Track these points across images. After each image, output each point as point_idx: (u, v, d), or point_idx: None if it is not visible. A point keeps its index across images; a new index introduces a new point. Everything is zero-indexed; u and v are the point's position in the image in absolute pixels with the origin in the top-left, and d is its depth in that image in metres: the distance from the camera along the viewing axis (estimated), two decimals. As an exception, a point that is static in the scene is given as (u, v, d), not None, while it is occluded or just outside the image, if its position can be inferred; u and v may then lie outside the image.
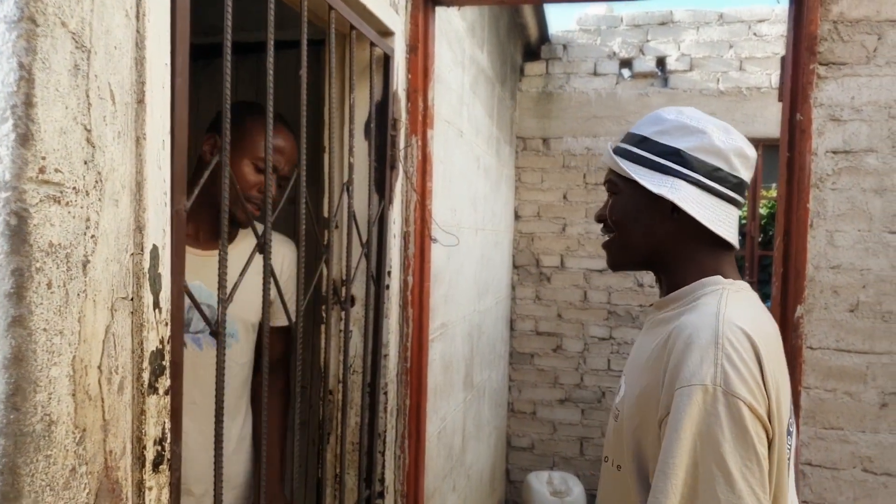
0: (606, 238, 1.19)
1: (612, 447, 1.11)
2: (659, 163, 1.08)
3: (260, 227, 1.30)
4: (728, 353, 0.93)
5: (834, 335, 1.80)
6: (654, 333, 1.09)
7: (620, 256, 1.16)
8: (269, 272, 1.40)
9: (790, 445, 1.02)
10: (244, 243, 1.67)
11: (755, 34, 4.32)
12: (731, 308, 0.99)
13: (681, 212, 1.06)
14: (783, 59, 1.91)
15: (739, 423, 0.90)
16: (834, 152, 1.79)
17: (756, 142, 4.42)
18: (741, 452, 0.90)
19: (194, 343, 1.59)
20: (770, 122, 4.19)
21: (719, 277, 1.07)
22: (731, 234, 1.08)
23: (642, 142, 1.11)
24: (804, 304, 1.80)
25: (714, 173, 1.06)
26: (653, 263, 1.15)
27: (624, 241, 1.14)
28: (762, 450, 0.91)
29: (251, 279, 1.42)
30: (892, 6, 1.76)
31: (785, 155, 1.84)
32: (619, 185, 1.14)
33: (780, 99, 1.92)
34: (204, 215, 1.58)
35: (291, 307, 1.57)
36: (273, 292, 1.31)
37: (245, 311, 1.62)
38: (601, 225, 1.20)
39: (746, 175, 1.10)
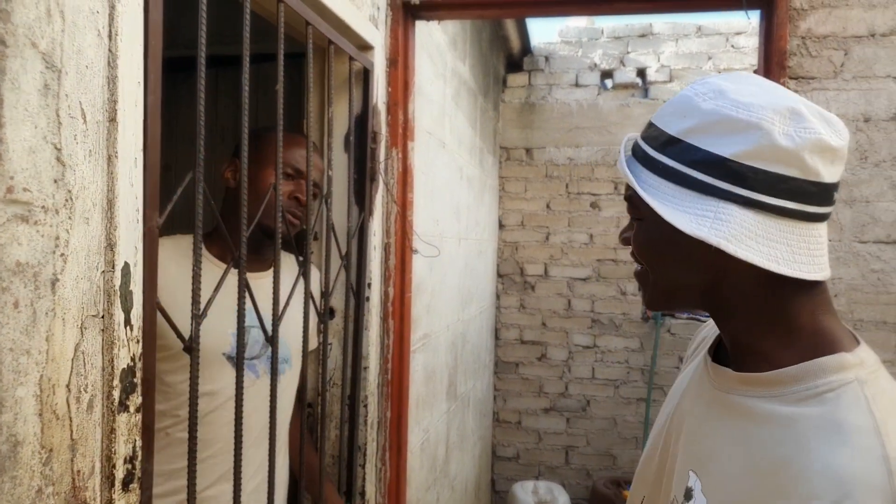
0: (638, 270, 0.88)
1: (646, 483, 0.88)
2: (695, 179, 0.75)
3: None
4: None
5: (808, 344, 1.82)
6: (745, 432, 0.76)
7: (656, 297, 0.86)
8: (308, 297, 1.46)
9: None
10: (283, 267, 1.62)
11: (733, 46, 4.38)
12: (893, 435, 0.67)
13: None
14: (755, 73, 1.94)
15: None
16: (806, 164, 1.82)
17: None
18: None
19: (249, 370, 1.51)
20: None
21: (845, 357, 0.73)
22: (814, 268, 0.74)
23: (670, 144, 0.77)
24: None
25: (779, 185, 0.72)
26: (710, 308, 0.83)
27: (657, 281, 0.84)
28: None
29: (297, 305, 1.46)
30: (858, 23, 1.79)
31: (759, 167, 1.87)
32: (639, 207, 0.81)
33: (754, 111, 1.94)
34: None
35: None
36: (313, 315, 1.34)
37: (298, 337, 1.56)
38: (621, 244, 0.90)
39: (833, 174, 0.74)
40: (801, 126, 0.72)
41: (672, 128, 0.78)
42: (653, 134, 0.80)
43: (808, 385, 0.72)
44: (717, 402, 0.82)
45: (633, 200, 0.82)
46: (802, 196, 0.73)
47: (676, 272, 0.81)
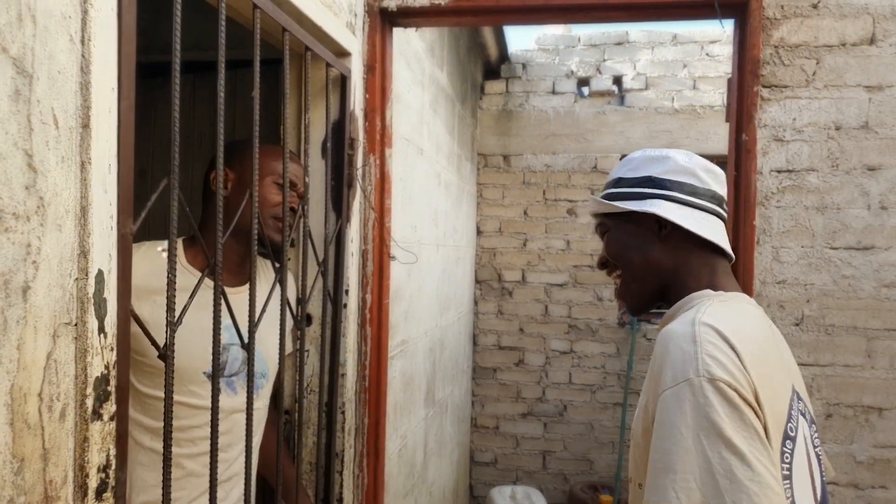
0: (616, 286, 1.23)
1: (632, 467, 1.10)
2: (635, 192, 1.15)
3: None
4: (706, 348, 0.94)
5: (781, 349, 1.85)
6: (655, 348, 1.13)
7: (635, 295, 1.19)
8: (285, 307, 1.45)
9: (790, 450, 0.97)
10: (262, 282, 1.60)
11: (707, 54, 4.44)
12: (708, 314, 1.00)
13: (668, 227, 1.11)
14: (729, 81, 1.97)
15: (732, 403, 0.89)
16: (778, 171, 1.85)
17: (709, 158, 4.49)
18: (743, 432, 0.88)
19: (228, 387, 1.52)
20: (723, 139, 4.29)
21: (708, 291, 1.09)
22: (720, 241, 1.11)
23: (618, 182, 1.19)
24: (752, 318, 1.85)
25: (685, 187, 1.13)
26: (662, 290, 1.16)
27: (630, 276, 1.18)
28: (759, 427, 0.90)
29: (277, 317, 1.46)
30: (829, 32, 1.83)
31: (732, 174, 1.90)
32: (607, 223, 1.21)
33: (728, 120, 1.98)
34: (227, 252, 1.50)
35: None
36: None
37: (275, 350, 1.55)
38: (604, 268, 1.24)
39: (719, 188, 1.16)
40: (692, 158, 1.16)
41: (617, 174, 1.21)
42: (608, 183, 1.23)
43: (682, 307, 1.10)
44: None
45: (602, 223, 1.22)
46: (700, 195, 1.13)
47: (638, 261, 1.16)
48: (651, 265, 1.15)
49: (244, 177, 1.53)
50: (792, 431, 0.99)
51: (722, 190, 1.16)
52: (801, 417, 1.03)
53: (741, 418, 0.89)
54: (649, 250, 1.14)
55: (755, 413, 0.91)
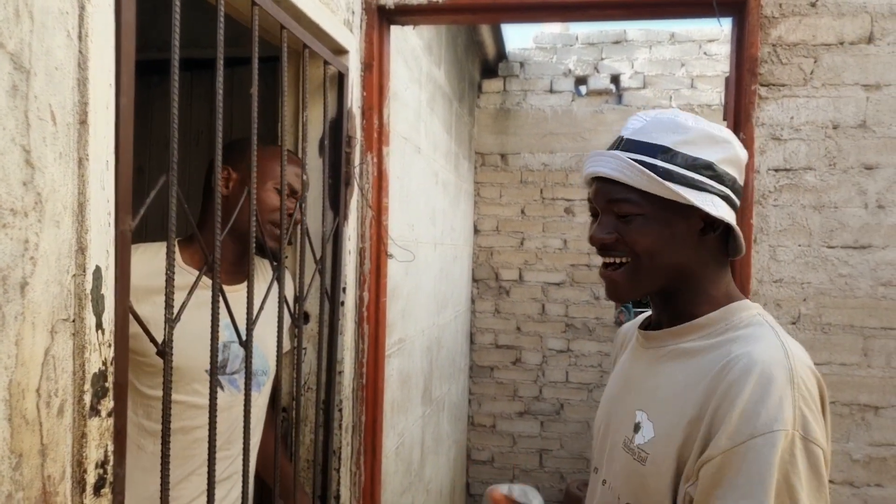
0: (611, 266, 1.03)
1: (632, 493, 0.99)
2: (692, 178, 0.95)
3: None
4: (804, 394, 0.85)
5: (778, 347, 1.85)
6: (681, 366, 0.98)
7: (635, 284, 1.01)
8: (283, 303, 1.45)
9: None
10: (260, 281, 1.61)
11: (705, 53, 4.45)
12: (792, 344, 0.92)
13: (712, 231, 0.98)
14: (727, 79, 1.97)
15: (817, 472, 0.84)
16: (775, 170, 1.85)
17: (708, 157, 4.53)
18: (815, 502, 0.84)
19: (231, 385, 1.53)
20: (721, 138, 4.30)
21: (748, 302, 1.00)
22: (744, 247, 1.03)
23: (664, 153, 0.97)
24: (749, 317, 1.85)
25: (735, 185, 1.00)
26: (666, 289, 1.02)
27: (646, 268, 0.99)
28: (828, 499, 0.86)
29: (275, 315, 1.47)
30: (827, 31, 1.83)
31: (730, 172, 1.90)
32: (641, 204, 0.97)
33: (725, 118, 1.98)
34: (225, 251, 1.49)
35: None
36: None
37: (274, 348, 1.57)
38: (599, 248, 1.05)
39: None
40: (742, 147, 1.02)
41: (663, 140, 0.98)
42: (640, 147, 0.99)
43: (727, 321, 0.98)
44: (654, 357, 1.04)
45: (632, 200, 0.98)
46: (739, 195, 1.02)
47: (668, 255, 0.99)
48: (677, 266, 0.99)
49: (248, 178, 1.52)
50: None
51: None
52: None
53: (819, 489, 0.85)
54: (683, 251, 0.98)
55: (828, 472, 0.88)
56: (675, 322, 1.02)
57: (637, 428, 0.99)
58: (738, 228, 0.98)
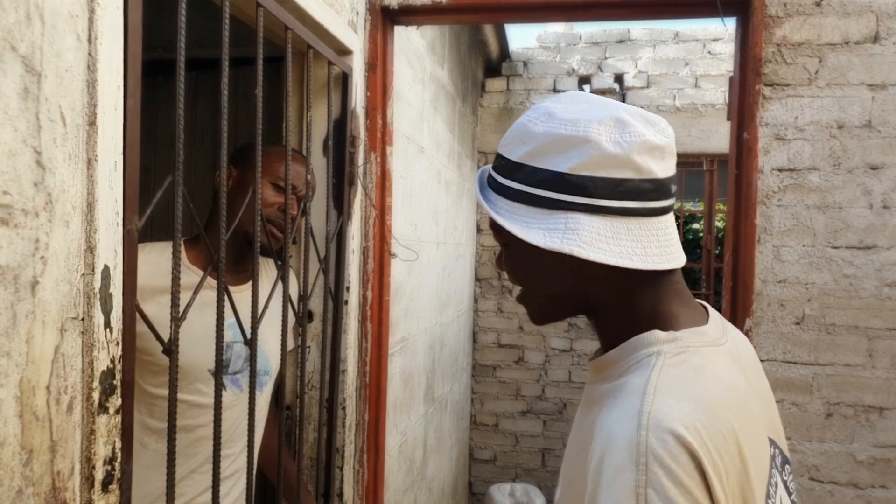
0: (518, 290, 0.92)
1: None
2: (542, 197, 0.79)
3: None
4: (655, 475, 0.66)
5: (781, 347, 1.86)
6: (587, 414, 0.83)
7: (539, 313, 0.90)
8: (287, 302, 1.47)
9: None
10: (263, 281, 1.62)
11: (709, 52, 4.44)
12: (660, 395, 0.72)
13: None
14: (731, 79, 1.97)
15: None
16: (779, 170, 1.86)
17: (712, 157, 4.54)
18: None
19: (233, 384, 1.54)
20: (725, 138, 4.30)
21: (655, 333, 0.79)
22: (660, 258, 0.79)
23: (516, 170, 0.82)
24: (752, 317, 1.86)
25: (618, 189, 0.78)
26: (583, 311, 0.88)
27: (537, 299, 0.88)
28: None
29: (279, 315, 1.48)
30: (832, 31, 1.83)
31: (733, 172, 1.90)
32: (502, 232, 0.85)
33: (729, 118, 1.98)
34: (228, 250, 1.45)
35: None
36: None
37: (278, 348, 1.57)
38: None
39: (665, 169, 0.81)
40: (626, 132, 0.78)
41: (515, 154, 0.83)
42: (501, 163, 0.85)
43: (625, 361, 0.80)
44: (585, 396, 0.88)
45: (497, 228, 0.85)
46: (641, 194, 0.79)
47: (548, 285, 0.85)
48: (569, 292, 0.84)
49: (245, 176, 1.53)
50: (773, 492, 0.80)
51: (669, 167, 0.82)
52: (776, 474, 0.82)
53: None
54: (565, 278, 0.83)
55: None
56: (603, 348, 0.87)
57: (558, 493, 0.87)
58: (596, 253, 0.77)
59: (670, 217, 0.83)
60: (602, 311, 0.85)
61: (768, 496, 0.77)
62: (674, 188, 0.83)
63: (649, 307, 0.82)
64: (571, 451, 0.84)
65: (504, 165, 0.84)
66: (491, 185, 0.87)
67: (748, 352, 0.89)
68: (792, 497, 0.86)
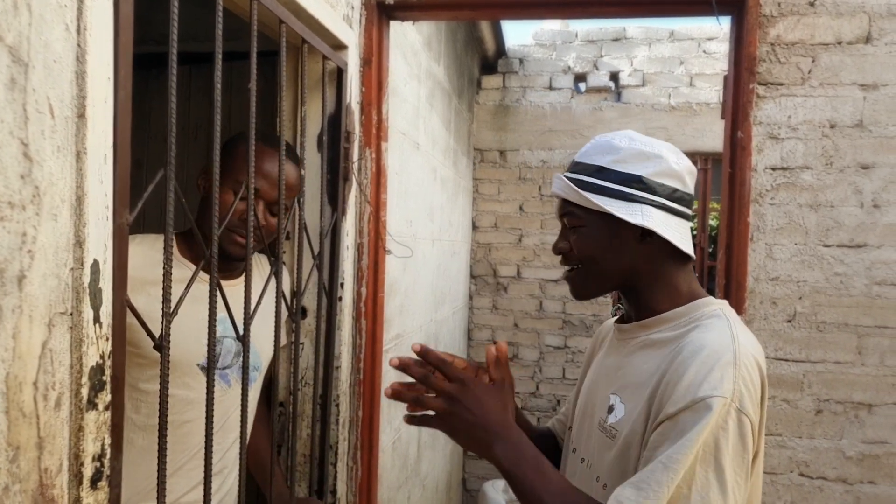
0: (568, 270, 1.18)
1: (605, 468, 1.10)
2: (623, 191, 1.08)
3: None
4: (744, 374, 0.97)
5: (773, 344, 1.86)
6: (650, 354, 1.10)
7: (590, 287, 1.16)
8: (280, 298, 1.45)
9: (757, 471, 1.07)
10: (256, 277, 1.59)
11: (704, 51, 4.45)
12: (741, 334, 1.03)
13: (651, 236, 1.08)
14: (726, 78, 1.97)
15: (744, 440, 0.95)
16: (772, 169, 1.86)
17: (706, 156, 4.54)
18: (736, 467, 0.95)
19: (221, 379, 1.52)
20: (719, 136, 4.29)
21: (711, 298, 1.11)
22: (691, 250, 1.12)
23: (599, 171, 1.11)
24: (745, 314, 1.86)
25: (673, 195, 1.09)
26: (623, 287, 1.16)
27: (594, 272, 1.14)
28: (748, 471, 0.97)
29: (271, 311, 1.47)
30: (825, 31, 1.83)
31: (727, 171, 1.90)
32: (582, 217, 1.12)
33: (723, 117, 1.98)
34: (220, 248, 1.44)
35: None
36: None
37: (268, 344, 1.56)
38: (560, 256, 1.18)
39: (693, 189, 1.15)
40: (681, 158, 1.12)
41: (599, 161, 1.12)
42: (582, 168, 1.14)
43: (690, 315, 1.09)
44: (626, 348, 1.16)
45: (575, 213, 1.13)
46: (683, 202, 1.11)
47: (611, 263, 1.12)
48: (623, 270, 1.12)
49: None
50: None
51: (693, 186, 1.15)
52: None
53: (742, 455, 0.96)
54: (626, 256, 1.11)
55: (753, 455, 0.98)
56: (641, 316, 1.15)
57: (610, 409, 1.12)
58: (667, 233, 1.07)
59: (690, 225, 1.15)
60: (645, 284, 1.13)
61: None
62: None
63: (685, 285, 1.12)
64: (634, 377, 1.10)
65: (585, 169, 1.13)
66: (576, 185, 1.12)
67: None
68: None
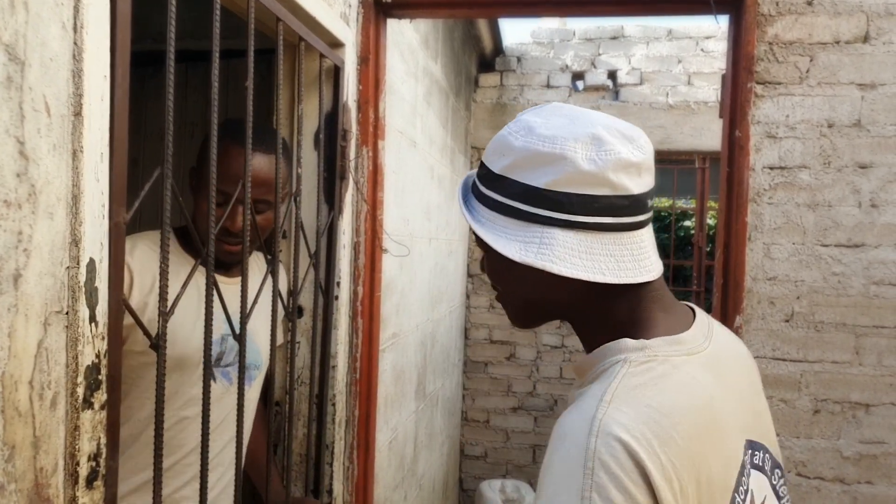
0: (496, 296, 0.95)
1: None
2: (520, 210, 0.81)
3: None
4: (600, 479, 0.68)
5: (770, 344, 1.86)
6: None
7: (517, 317, 0.93)
8: (276, 297, 1.44)
9: None
10: (256, 274, 1.59)
11: (702, 50, 4.45)
12: (616, 402, 0.74)
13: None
14: (724, 77, 1.97)
15: None
16: (770, 168, 1.86)
17: (704, 155, 4.54)
18: None
19: (224, 377, 1.52)
20: (717, 135, 4.29)
21: (624, 341, 0.81)
22: (633, 272, 0.81)
23: (496, 181, 0.84)
24: (743, 314, 1.86)
25: (593, 205, 0.79)
26: (562, 317, 0.91)
27: (512, 304, 0.91)
28: None
29: (268, 308, 1.46)
30: (823, 30, 1.83)
31: (725, 170, 1.90)
32: (481, 241, 0.86)
33: (721, 116, 1.98)
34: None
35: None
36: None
37: (268, 342, 1.54)
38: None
39: (641, 184, 0.82)
40: (602, 150, 0.79)
41: (495, 166, 0.85)
42: (483, 172, 0.87)
43: (594, 369, 0.82)
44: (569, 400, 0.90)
45: (477, 235, 0.87)
46: (615, 210, 0.80)
47: (524, 292, 0.87)
48: (546, 299, 0.86)
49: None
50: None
51: (646, 182, 0.83)
52: (758, 476, 0.84)
53: None
54: (542, 286, 0.84)
55: None
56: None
57: None
58: (568, 267, 0.79)
59: (647, 230, 0.84)
60: (578, 319, 0.88)
61: (736, 491, 0.79)
62: (650, 202, 0.84)
63: (625, 315, 0.83)
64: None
65: (486, 175, 0.86)
66: (475, 193, 0.89)
67: (736, 353, 0.90)
68: (783, 501, 0.87)
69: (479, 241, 0.87)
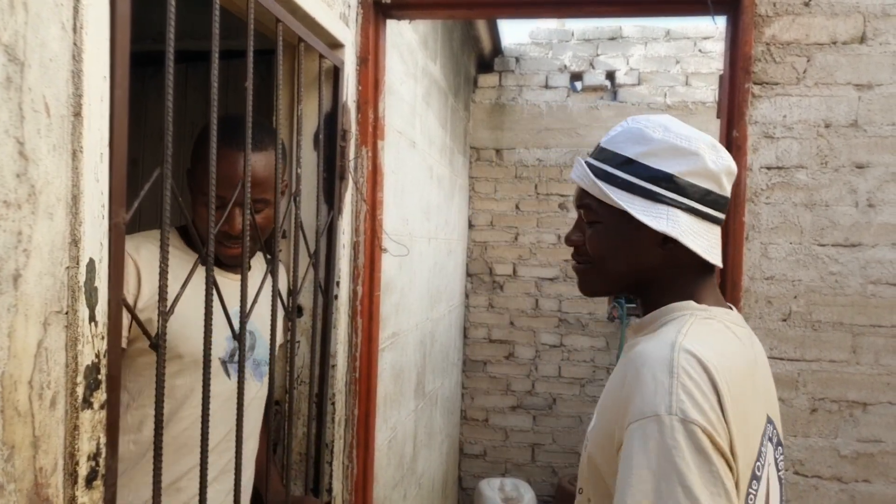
0: (579, 265, 1.08)
1: (583, 478, 1.03)
2: (649, 189, 0.97)
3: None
4: (684, 382, 0.85)
5: (768, 343, 1.87)
6: (623, 362, 1.00)
7: (598, 286, 1.07)
8: (276, 296, 1.46)
9: (755, 491, 0.90)
10: (255, 270, 1.59)
11: (700, 50, 4.45)
12: (690, 336, 0.91)
13: (673, 242, 0.97)
14: (721, 77, 1.98)
15: (703, 453, 0.82)
16: (768, 168, 1.86)
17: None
18: (710, 486, 0.81)
19: (236, 373, 1.48)
20: (715, 135, 4.30)
21: (690, 303, 0.99)
22: (717, 258, 1.00)
23: (627, 164, 0.99)
24: (740, 313, 1.87)
25: (706, 197, 0.98)
26: (632, 289, 1.06)
27: (605, 272, 1.04)
28: (729, 484, 0.83)
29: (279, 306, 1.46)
30: (820, 31, 1.84)
31: (722, 170, 1.91)
32: (599, 212, 1.02)
33: (719, 116, 1.99)
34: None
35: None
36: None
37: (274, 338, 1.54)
38: (572, 249, 1.09)
39: (729, 190, 1.03)
40: (720, 156, 1.00)
41: (628, 151, 1.00)
42: (608, 156, 1.02)
43: (660, 319, 1.00)
44: (625, 350, 1.06)
45: (592, 207, 1.03)
46: (717, 206, 1.00)
47: (624, 265, 1.02)
48: (637, 273, 1.02)
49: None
50: (759, 471, 0.92)
51: (730, 188, 1.03)
52: (769, 446, 0.97)
53: (710, 469, 0.82)
54: (643, 260, 1.00)
55: (727, 462, 0.84)
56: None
57: (592, 420, 1.06)
58: (691, 242, 0.96)
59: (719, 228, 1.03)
60: (657, 288, 1.03)
61: (759, 455, 0.93)
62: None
63: (693, 287, 1.01)
64: (608, 387, 1.01)
65: (610, 158, 1.01)
66: (598, 176, 1.02)
67: (761, 348, 1.07)
68: (780, 473, 1.01)
69: (590, 212, 1.03)
